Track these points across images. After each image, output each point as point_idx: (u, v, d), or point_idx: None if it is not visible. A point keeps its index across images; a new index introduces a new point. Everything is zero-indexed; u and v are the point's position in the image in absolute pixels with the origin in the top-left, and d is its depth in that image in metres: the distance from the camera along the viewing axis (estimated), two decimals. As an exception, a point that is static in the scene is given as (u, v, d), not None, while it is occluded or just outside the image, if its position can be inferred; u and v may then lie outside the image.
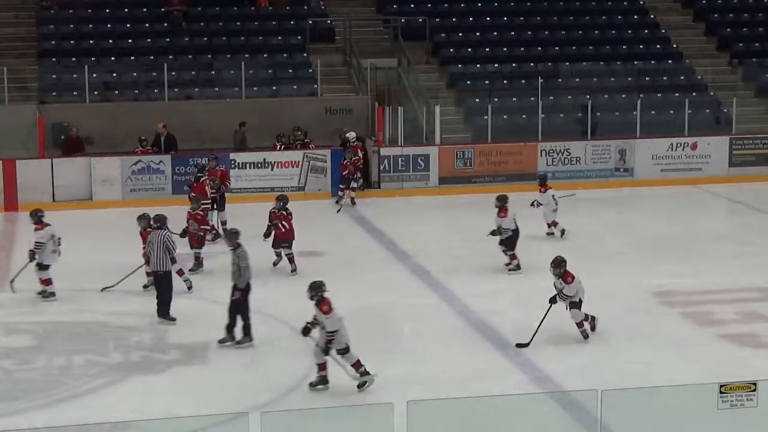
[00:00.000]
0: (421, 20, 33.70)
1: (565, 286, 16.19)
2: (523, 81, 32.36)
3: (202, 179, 23.16)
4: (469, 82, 32.45)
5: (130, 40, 32.23)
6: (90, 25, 32.67)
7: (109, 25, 32.73)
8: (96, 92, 30.24)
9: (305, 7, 34.22)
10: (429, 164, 28.80)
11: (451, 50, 33.64)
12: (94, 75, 30.39)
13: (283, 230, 20.46)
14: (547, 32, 34.49)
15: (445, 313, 18.22)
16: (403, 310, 18.35)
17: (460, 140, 30.21)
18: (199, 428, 11.74)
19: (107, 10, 33.16)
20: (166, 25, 33.00)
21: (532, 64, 33.06)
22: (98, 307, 16.17)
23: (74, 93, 30.35)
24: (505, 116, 30.90)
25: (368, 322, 17.32)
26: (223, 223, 23.26)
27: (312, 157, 28.20)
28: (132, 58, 31.73)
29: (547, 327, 16.19)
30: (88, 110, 29.54)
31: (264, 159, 28.15)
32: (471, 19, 34.68)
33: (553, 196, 22.83)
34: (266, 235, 20.52)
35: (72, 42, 32.04)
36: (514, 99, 31.79)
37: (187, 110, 29.55)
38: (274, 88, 31.40)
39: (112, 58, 31.67)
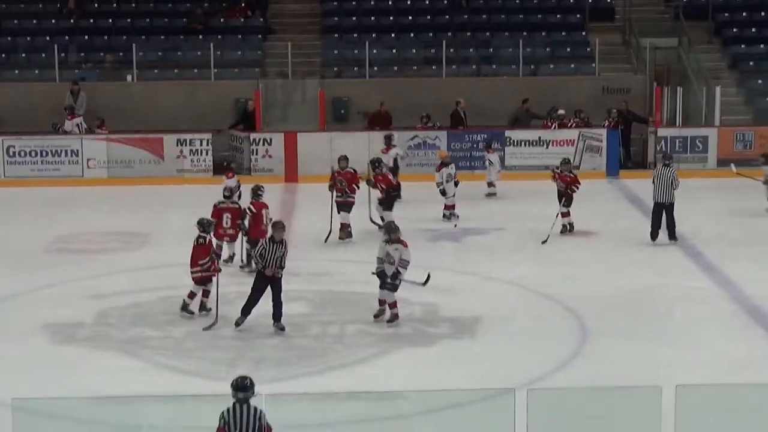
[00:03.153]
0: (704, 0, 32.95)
1: None
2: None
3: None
4: (752, 63, 31.51)
5: (410, 17, 32.67)
6: (371, 2, 33.27)
7: (390, 2, 33.26)
8: (375, 68, 30.82)
9: (585, -14, 33.96)
10: (707, 146, 28.18)
11: (734, 30, 32.70)
12: (374, 51, 30.97)
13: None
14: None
15: (718, 297, 17.81)
16: (675, 292, 18.02)
17: (740, 122, 29.41)
18: (466, 402, 11.86)
19: (389, -13, 33.72)
20: (445, 2, 33.29)
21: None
22: (372, 278, 16.46)
23: (354, 68, 31.02)
24: (788, 98, 29.95)
25: (640, 303, 17.18)
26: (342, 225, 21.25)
27: (588, 136, 28.01)
28: (411, 35, 32.17)
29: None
30: (367, 86, 30.13)
31: (539, 137, 28.11)
32: (756, -3, 33.69)
33: None
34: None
35: (354, 18, 32.71)
36: (799, 80, 30.77)
37: (464, 87, 29.72)
38: (551, 66, 31.29)
39: (392, 35, 32.19)
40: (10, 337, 15.74)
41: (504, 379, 13.44)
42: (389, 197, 21.58)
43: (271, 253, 15.60)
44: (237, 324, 15.72)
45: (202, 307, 16.50)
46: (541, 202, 22.43)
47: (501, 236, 21.45)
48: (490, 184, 25.38)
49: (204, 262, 16.33)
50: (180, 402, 12.31)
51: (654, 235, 20.79)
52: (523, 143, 27.98)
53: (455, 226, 22.15)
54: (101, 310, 16.95)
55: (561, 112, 28.24)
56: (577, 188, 21.38)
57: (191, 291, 16.44)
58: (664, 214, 20.69)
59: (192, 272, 16.43)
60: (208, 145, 27.62)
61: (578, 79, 30.56)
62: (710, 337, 15.80)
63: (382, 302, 16.31)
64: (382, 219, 21.07)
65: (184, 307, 16.42)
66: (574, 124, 28.30)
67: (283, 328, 15.72)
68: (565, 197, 21.34)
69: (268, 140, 27.81)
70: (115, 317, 16.59)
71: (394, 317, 16.20)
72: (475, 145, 27.77)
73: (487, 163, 25.76)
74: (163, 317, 16.33)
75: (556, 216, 21.05)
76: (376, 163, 21.74)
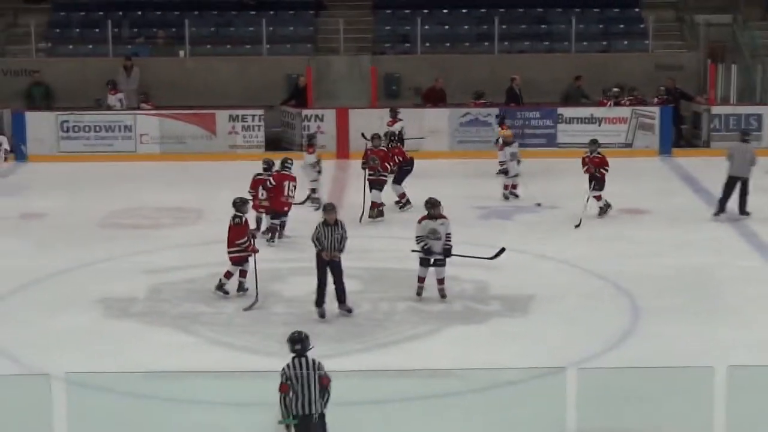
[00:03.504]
0: (760, -25, 32.62)
1: None
2: None
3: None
4: (807, 40, 31.22)
5: (463, -7, 32.60)
6: (423, -22, 33.23)
7: (442, -22, 33.20)
8: (427, 44, 30.76)
9: (640, -38, 33.69)
10: (762, 124, 27.88)
11: (790, 6, 32.43)
12: (426, 27, 30.91)
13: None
14: None
15: (773, 277, 17.71)
16: (729, 272, 17.88)
17: (795, 100, 29.15)
18: (517, 380, 11.87)
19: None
20: (498, -23, 33.17)
21: None
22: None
23: (406, 44, 30.98)
24: None
25: (693, 283, 17.10)
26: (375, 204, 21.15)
27: (641, 113, 27.83)
28: (464, 11, 32.06)
29: None
30: (419, 61, 30.10)
31: (591, 114, 27.96)
32: (815, -27, 33.29)
33: None
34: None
35: (406, -7, 32.68)
36: None
37: (517, 64, 29.61)
38: (604, 43, 31.13)
39: (444, 11, 32.10)
40: (64, 312, 15.88)
41: (555, 357, 13.46)
42: (402, 171, 21.62)
43: (326, 236, 15.38)
44: (321, 316, 15.42)
45: (240, 287, 16.46)
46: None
47: (553, 214, 21.39)
48: (503, 162, 24.62)
49: (242, 242, 16.31)
50: (232, 378, 12.40)
51: (721, 209, 20.72)
52: (575, 120, 27.83)
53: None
54: (154, 285, 17.07)
55: (616, 89, 28.07)
56: (606, 170, 21.03)
57: (228, 271, 16.44)
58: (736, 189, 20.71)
59: (229, 252, 16.39)
60: (260, 121, 27.69)
61: (631, 56, 30.39)
62: (764, 318, 15.68)
63: (422, 279, 16.32)
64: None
65: (220, 287, 16.41)
66: (628, 102, 28.11)
67: (350, 310, 15.61)
68: (596, 180, 20.96)
69: (320, 116, 27.84)
70: (167, 293, 16.70)
71: (444, 293, 16.28)
72: (527, 122, 27.67)
73: (500, 140, 25.04)
74: (215, 293, 16.41)
75: (587, 200, 20.82)
76: (391, 137, 21.86)
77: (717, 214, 20.84)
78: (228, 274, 16.45)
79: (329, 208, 15.77)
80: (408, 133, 25.03)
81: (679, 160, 27.03)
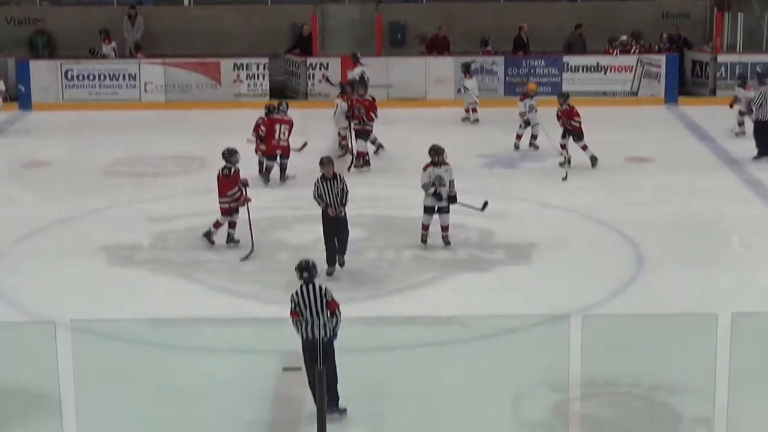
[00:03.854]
0: None
1: None
2: None
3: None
4: (815, -13, 31.01)
5: (468, -61, 32.32)
6: (429, -76, 32.96)
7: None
8: (433, -8, 30.61)
9: None
10: (768, 72, 27.78)
11: (799, -48, 32.15)
12: (432, -26, 30.76)
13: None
14: None
15: (777, 225, 17.70)
16: (733, 220, 17.86)
17: (801, 47, 29.02)
18: (521, 327, 11.91)
19: None
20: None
21: None
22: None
23: (412, -8, 30.81)
24: None
25: (697, 230, 17.11)
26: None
27: (646, 62, 27.71)
28: (469, -42, 31.85)
29: None
30: (424, 10, 29.89)
31: (597, 63, 27.84)
32: None
33: None
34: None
35: (411, -61, 32.43)
36: None
37: (522, 12, 29.39)
38: (610, -9, 30.94)
39: (450, -41, 31.89)
40: (69, 259, 15.93)
41: (559, 305, 13.47)
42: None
43: (327, 191, 15.05)
44: (329, 274, 14.98)
45: (230, 238, 16.40)
46: (598, 128, 22.21)
47: (558, 162, 21.34)
48: (467, 110, 25.07)
49: (233, 192, 16.28)
50: (236, 325, 12.45)
51: (762, 152, 20.91)
52: (580, 69, 27.70)
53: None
54: (158, 233, 17.10)
55: (624, 38, 27.91)
56: (578, 121, 20.68)
57: (217, 220, 16.39)
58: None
59: (220, 203, 16.35)
60: (264, 69, 27.60)
61: (637, 4, 30.16)
62: (768, 265, 15.70)
63: (426, 227, 16.32)
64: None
65: (207, 235, 16.39)
66: (636, 50, 27.96)
67: (343, 263, 15.22)
68: (573, 132, 20.74)
69: (325, 65, 27.74)
70: (172, 240, 16.73)
71: (448, 240, 16.30)
72: (532, 71, 27.56)
73: (462, 89, 25.35)
74: (219, 241, 16.42)
75: (564, 152, 20.56)
76: (351, 83, 22.11)
77: (758, 157, 20.96)
78: (217, 224, 16.41)
79: (325, 162, 15.29)
80: (372, 81, 24.78)
81: (685, 108, 26.93)
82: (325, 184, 15.10)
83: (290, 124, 20.00)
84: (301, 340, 11.05)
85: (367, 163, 20.93)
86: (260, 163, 20.03)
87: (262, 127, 19.85)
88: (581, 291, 14.55)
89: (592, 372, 10.59)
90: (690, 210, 18.19)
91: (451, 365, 11.57)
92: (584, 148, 20.76)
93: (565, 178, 20.02)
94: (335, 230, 15.15)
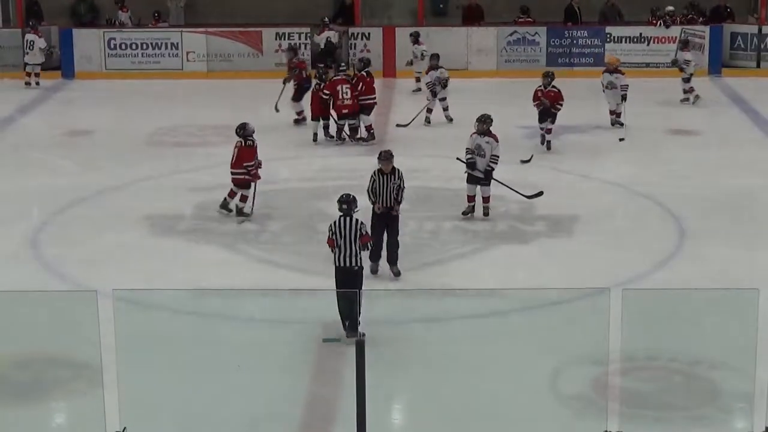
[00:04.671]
0: None
1: None
2: None
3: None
4: None
5: None
6: None
7: None
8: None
9: None
10: (815, 44, 27.53)
11: None
12: (474, -56, 30.55)
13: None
14: None
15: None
16: (775, 193, 17.80)
17: None
18: (561, 300, 11.88)
19: None
20: None
21: None
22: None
23: (455, -39, 30.68)
24: None
25: (740, 205, 17.02)
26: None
27: (690, 33, 27.48)
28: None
29: None
30: (467, -20, 29.82)
31: (640, 33, 27.65)
32: None
33: None
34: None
35: None
36: None
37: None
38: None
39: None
40: (111, 229, 16.02)
41: (599, 278, 13.45)
42: (301, 89, 21.99)
43: (382, 187, 14.28)
44: (373, 272, 14.04)
45: (240, 212, 16.42)
46: (640, 100, 22.11)
47: (599, 135, 21.24)
48: (418, 80, 24.94)
49: (250, 165, 16.33)
50: (277, 295, 12.48)
51: None
52: (623, 40, 27.53)
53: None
54: (200, 203, 17.17)
55: (670, 8, 27.59)
56: (561, 106, 20.01)
57: (232, 190, 16.45)
58: None
59: (235, 173, 16.39)
60: (306, 39, 27.59)
61: (682, -26, 29.93)
62: (810, 240, 15.59)
63: (471, 198, 16.27)
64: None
65: (224, 205, 16.47)
66: (679, 21, 27.70)
67: (398, 273, 14.21)
68: (551, 116, 20.07)
69: (366, 35, 27.69)
70: (214, 210, 16.77)
71: (487, 211, 16.27)
72: (575, 42, 27.41)
73: (412, 56, 25.32)
74: (260, 211, 16.48)
75: (543, 133, 20.16)
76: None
77: None
78: (232, 194, 16.45)
79: (384, 156, 14.46)
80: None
81: (729, 79, 26.72)
82: (381, 178, 14.32)
83: (350, 83, 20.62)
84: (334, 267, 12.26)
85: (372, 136, 20.86)
86: (325, 128, 20.87)
87: (326, 91, 20.44)
88: (622, 264, 14.50)
89: (632, 346, 10.56)
90: (733, 184, 18.08)
91: (489, 338, 11.55)
92: (549, 131, 20.22)
93: (622, 139, 19.92)
94: (384, 228, 14.28)
